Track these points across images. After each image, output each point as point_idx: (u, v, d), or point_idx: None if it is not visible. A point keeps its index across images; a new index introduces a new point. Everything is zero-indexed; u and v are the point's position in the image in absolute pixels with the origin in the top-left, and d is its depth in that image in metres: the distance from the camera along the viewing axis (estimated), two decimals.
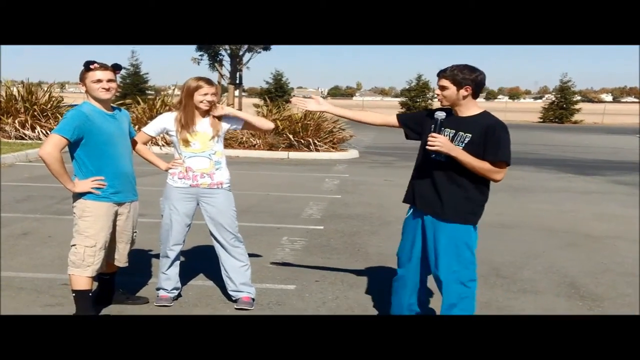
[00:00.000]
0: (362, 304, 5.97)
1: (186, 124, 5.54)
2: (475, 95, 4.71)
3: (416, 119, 5.13)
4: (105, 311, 5.51)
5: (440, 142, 4.54)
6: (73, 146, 5.11)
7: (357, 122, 5.45)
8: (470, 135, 4.63)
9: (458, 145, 4.63)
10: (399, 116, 5.22)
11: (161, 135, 5.95)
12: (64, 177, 5.04)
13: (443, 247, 4.78)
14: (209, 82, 5.57)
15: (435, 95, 4.82)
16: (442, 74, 4.69)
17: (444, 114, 4.69)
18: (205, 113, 5.57)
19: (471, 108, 4.73)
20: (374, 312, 5.73)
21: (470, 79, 4.63)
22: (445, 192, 4.74)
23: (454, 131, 4.70)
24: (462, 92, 4.64)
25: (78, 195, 5.16)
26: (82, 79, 5.16)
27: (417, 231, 4.97)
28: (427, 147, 4.60)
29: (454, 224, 4.76)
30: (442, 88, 4.68)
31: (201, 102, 5.51)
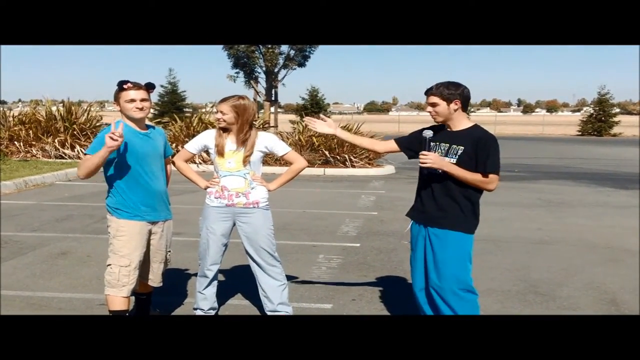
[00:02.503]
0: None
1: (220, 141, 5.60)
2: (464, 109, 5.00)
3: (412, 139, 5.31)
4: None
5: (430, 159, 4.83)
6: (106, 164, 5.16)
7: (363, 149, 5.55)
8: (462, 147, 4.91)
9: (452, 157, 4.91)
10: (397, 140, 5.43)
11: (201, 152, 5.97)
12: (98, 158, 4.95)
13: (450, 257, 4.95)
14: (222, 99, 5.61)
15: (428, 113, 5.02)
16: (429, 92, 4.95)
17: (431, 132, 4.94)
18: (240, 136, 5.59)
19: (462, 121, 5.00)
20: None
21: (457, 93, 4.91)
22: (445, 203, 4.99)
23: (448, 145, 4.97)
24: (453, 106, 4.91)
25: (112, 213, 5.22)
26: (116, 98, 5.21)
27: (421, 243, 5.14)
28: (420, 164, 4.89)
29: (459, 232, 4.96)
30: (433, 105, 4.93)
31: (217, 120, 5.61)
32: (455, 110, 4.92)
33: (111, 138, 4.86)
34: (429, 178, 5.02)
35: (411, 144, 5.28)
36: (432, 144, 5.01)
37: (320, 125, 5.48)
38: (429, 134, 4.90)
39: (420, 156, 4.84)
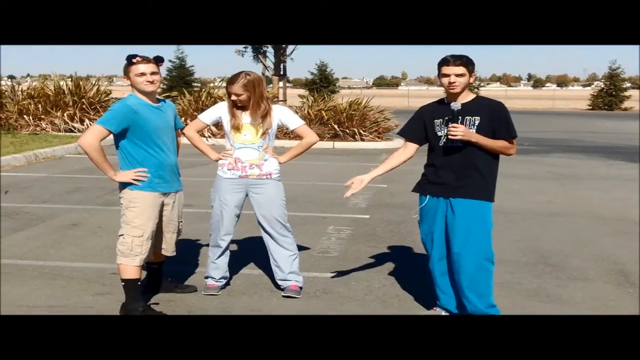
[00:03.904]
0: (408, 292, 5.97)
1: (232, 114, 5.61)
2: None
3: (419, 127, 5.27)
4: (154, 299, 5.59)
5: (461, 131, 4.84)
6: (118, 137, 5.19)
7: (394, 169, 5.54)
8: (478, 117, 4.96)
9: (470, 128, 4.94)
10: (412, 139, 5.32)
11: (215, 123, 5.98)
12: (103, 165, 5.12)
13: (475, 225, 4.99)
14: (231, 81, 5.60)
15: (449, 84, 4.95)
16: (458, 62, 4.90)
17: (459, 104, 4.92)
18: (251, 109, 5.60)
19: (467, 94, 5.07)
20: (420, 299, 5.72)
21: (474, 66, 5.01)
22: (466, 173, 5.01)
23: (460, 117, 4.97)
24: (471, 78, 5.00)
25: (125, 186, 5.24)
26: (126, 72, 5.23)
27: (440, 215, 5.14)
28: (449, 136, 4.89)
29: (482, 201, 5.02)
30: (460, 75, 4.91)
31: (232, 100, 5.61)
32: (469, 83, 5.03)
33: (136, 179, 5.17)
34: (447, 150, 5.03)
35: (421, 132, 5.26)
36: (439, 119, 5.08)
37: (357, 185, 5.38)
38: (457, 106, 4.89)
39: (451, 129, 4.85)
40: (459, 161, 5.00)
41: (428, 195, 5.21)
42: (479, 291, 5.01)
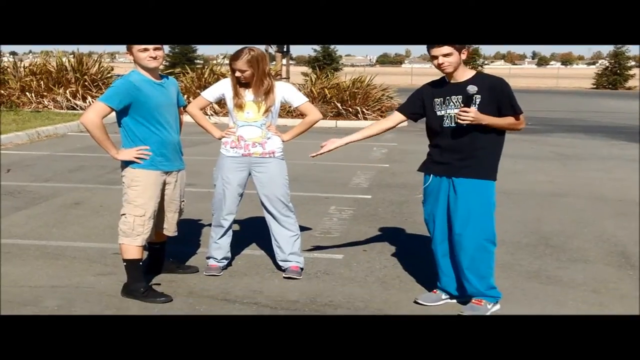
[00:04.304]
0: (409, 273, 5.98)
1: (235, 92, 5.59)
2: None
3: (415, 102, 5.29)
4: (156, 280, 5.60)
5: (472, 116, 4.79)
6: (120, 114, 5.17)
7: (372, 137, 5.61)
8: (479, 96, 4.88)
9: (472, 107, 4.88)
10: (401, 110, 5.39)
11: (218, 101, 5.95)
12: (105, 144, 5.11)
13: (477, 206, 4.98)
14: (235, 57, 5.56)
15: (438, 65, 4.95)
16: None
17: (475, 88, 4.84)
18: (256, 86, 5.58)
19: (466, 71, 5.04)
20: (421, 280, 5.74)
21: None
22: (470, 153, 4.97)
23: (461, 96, 4.93)
24: (462, 55, 4.91)
25: (126, 164, 5.23)
26: (129, 48, 5.19)
27: (443, 194, 5.12)
28: (459, 120, 4.85)
29: (485, 180, 5.00)
30: (447, 55, 4.86)
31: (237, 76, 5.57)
32: (463, 60, 4.97)
33: (138, 157, 5.15)
34: (453, 131, 5.00)
35: (414, 108, 5.28)
36: (439, 98, 5.05)
37: (329, 145, 5.56)
38: (474, 89, 4.83)
39: (461, 113, 4.81)
40: (465, 142, 4.97)
41: (432, 175, 5.19)
42: (479, 272, 5.02)
